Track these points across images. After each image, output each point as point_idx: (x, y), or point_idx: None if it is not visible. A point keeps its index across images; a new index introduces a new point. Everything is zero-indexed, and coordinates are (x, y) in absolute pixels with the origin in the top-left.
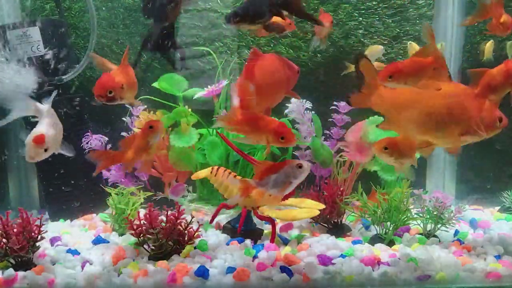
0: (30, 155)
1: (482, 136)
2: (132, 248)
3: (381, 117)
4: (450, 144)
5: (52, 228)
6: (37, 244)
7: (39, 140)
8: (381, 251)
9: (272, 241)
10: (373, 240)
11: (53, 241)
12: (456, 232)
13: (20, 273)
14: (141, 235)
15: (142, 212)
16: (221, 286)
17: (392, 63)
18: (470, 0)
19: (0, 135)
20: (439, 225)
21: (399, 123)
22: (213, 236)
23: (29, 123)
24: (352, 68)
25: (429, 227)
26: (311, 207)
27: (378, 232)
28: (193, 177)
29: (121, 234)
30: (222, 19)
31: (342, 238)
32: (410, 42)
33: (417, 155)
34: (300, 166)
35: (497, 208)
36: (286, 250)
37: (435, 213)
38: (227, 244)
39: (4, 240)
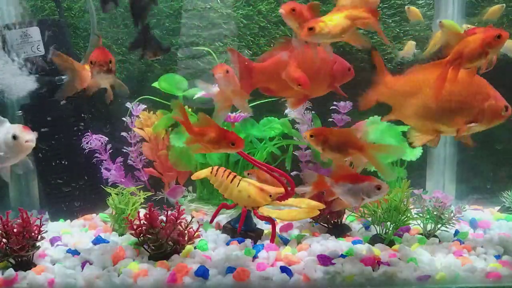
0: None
1: (486, 125)
2: (132, 248)
3: (381, 117)
4: (453, 132)
5: (52, 228)
6: (37, 244)
7: (27, 128)
8: (381, 251)
9: (272, 241)
10: (373, 240)
11: (53, 241)
12: (456, 232)
13: (20, 273)
14: (141, 235)
15: (142, 212)
16: (221, 286)
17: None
18: (470, 0)
19: None
20: (439, 225)
21: (405, 112)
22: (213, 236)
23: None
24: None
25: (429, 227)
26: (311, 207)
27: (378, 232)
28: (193, 177)
29: (121, 234)
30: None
31: (342, 238)
32: (408, 6)
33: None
34: (378, 188)
35: (497, 208)
36: (286, 250)
37: (435, 213)
38: (227, 244)
39: (4, 240)
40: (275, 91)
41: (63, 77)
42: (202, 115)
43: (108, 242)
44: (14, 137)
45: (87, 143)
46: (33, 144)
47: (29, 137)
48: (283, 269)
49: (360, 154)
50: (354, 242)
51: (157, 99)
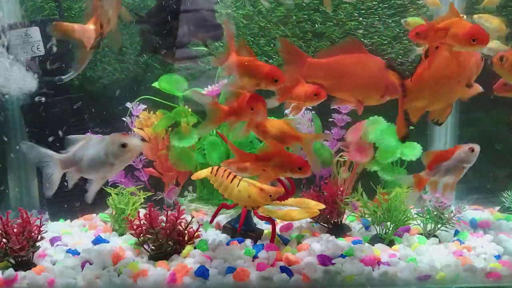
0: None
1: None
2: (132, 248)
3: (380, 117)
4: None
5: (52, 228)
6: (37, 244)
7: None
8: (381, 251)
9: (272, 241)
10: (373, 240)
11: (53, 241)
12: (456, 232)
13: (20, 273)
14: (141, 235)
15: (142, 212)
16: (221, 286)
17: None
18: None
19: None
20: (439, 225)
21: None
22: (213, 236)
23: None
24: None
25: (429, 227)
26: (311, 207)
27: (378, 232)
28: (193, 177)
29: (121, 234)
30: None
31: (342, 238)
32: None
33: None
34: (472, 150)
35: (497, 208)
36: (286, 250)
37: (435, 213)
38: (227, 244)
39: (4, 240)
40: (328, 89)
41: (63, 77)
42: (270, 142)
43: (108, 242)
44: (123, 145)
45: None
46: (142, 148)
47: (136, 142)
48: (283, 269)
49: (298, 143)
50: (354, 242)
51: (157, 99)
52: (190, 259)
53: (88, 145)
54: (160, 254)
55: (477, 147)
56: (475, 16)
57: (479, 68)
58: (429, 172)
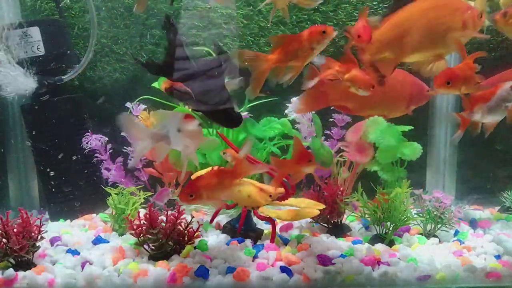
0: None
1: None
2: (132, 248)
3: (381, 117)
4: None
5: (52, 228)
6: (37, 244)
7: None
8: (381, 251)
9: (272, 241)
10: (373, 240)
11: (53, 241)
12: (456, 232)
13: (20, 273)
14: (141, 235)
15: (142, 212)
16: (221, 286)
17: None
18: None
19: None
20: (439, 225)
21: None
22: (213, 236)
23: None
24: None
25: (429, 227)
26: (311, 207)
27: (378, 232)
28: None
29: (121, 234)
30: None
31: (342, 238)
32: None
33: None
34: None
35: (497, 208)
36: (286, 250)
37: (435, 213)
38: (227, 244)
39: (4, 240)
40: (353, 110)
41: (63, 77)
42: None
43: (108, 242)
44: (179, 131)
45: (87, 143)
46: (200, 129)
47: (190, 127)
48: (283, 269)
49: None
50: (354, 242)
51: (157, 99)
52: (190, 259)
53: (173, 120)
54: (160, 254)
55: None
56: None
57: (475, 23)
58: (469, 113)
